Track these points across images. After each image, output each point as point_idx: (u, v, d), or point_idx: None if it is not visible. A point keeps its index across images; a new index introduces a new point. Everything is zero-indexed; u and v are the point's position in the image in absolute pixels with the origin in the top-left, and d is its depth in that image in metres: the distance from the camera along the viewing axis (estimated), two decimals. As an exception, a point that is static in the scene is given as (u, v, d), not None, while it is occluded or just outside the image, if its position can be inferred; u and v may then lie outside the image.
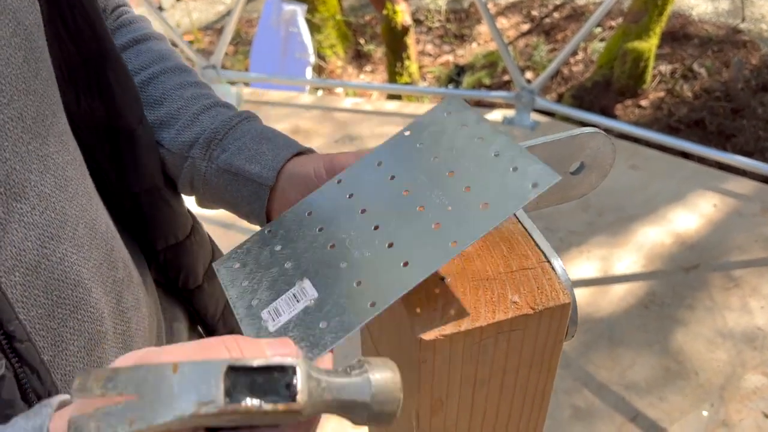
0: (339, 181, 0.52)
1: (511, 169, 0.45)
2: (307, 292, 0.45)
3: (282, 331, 0.43)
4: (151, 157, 0.69)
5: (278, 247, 0.49)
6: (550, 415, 1.86)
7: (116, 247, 0.61)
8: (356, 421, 0.36)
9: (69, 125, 0.58)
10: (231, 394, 0.33)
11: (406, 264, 0.43)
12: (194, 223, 0.79)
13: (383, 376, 0.36)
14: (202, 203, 0.72)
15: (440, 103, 0.52)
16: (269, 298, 0.46)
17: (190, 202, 0.76)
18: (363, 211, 0.48)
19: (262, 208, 0.64)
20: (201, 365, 0.33)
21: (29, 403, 0.47)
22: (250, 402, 0.33)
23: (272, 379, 0.34)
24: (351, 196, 0.50)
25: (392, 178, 0.49)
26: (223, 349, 0.37)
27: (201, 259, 0.78)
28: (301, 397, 0.33)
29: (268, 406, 0.33)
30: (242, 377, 0.33)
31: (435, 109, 0.53)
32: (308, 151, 0.67)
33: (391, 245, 0.45)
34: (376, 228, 0.47)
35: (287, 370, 0.34)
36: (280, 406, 0.33)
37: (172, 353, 0.36)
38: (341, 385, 0.35)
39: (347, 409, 0.36)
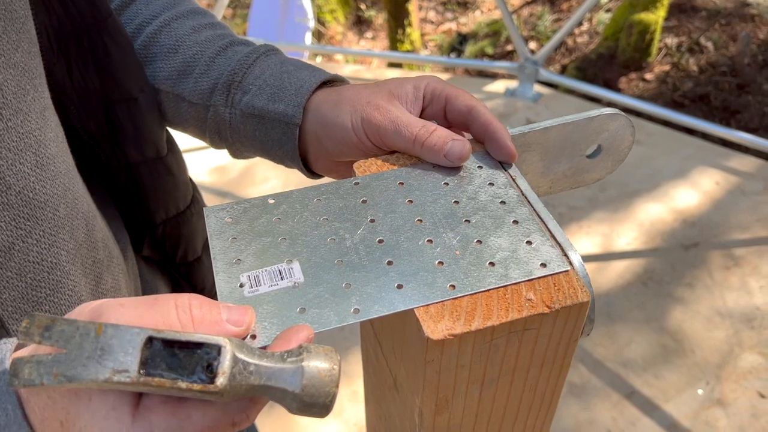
0: (356, 183, 0.51)
1: (525, 241, 0.46)
2: (294, 273, 0.44)
3: (256, 301, 0.42)
4: (153, 125, 0.65)
5: (276, 220, 0.48)
6: (546, 392, 1.86)
7: (97, 227, 0.58)
8: (288, 409, 0.35)
9: (57, 99, 0.54)
10: (148, 365, 0.33)
11: (400, 287, 0.43)
12: (194, 192, 0.76)
13: (319, 367, 0.35)
14: (235, 153, 0.68)
15: (476, 153, 0.53)
16: (253, 264, 0.45)
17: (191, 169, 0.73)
18: (372, 221, 0.48)
19: (295, 149, 0.60)
20: (124, 331, 0.33)
21: None
22: (164, 377, 0.33)
23: (195, 356, 0.33)
24: (365, 202, 0.50)
25: (410, 202, 0.49)
26: (172, 308, 0.36)
27: (200, 230, 0.75)
28: (220, 381, 0.33)
29: (182, 384, 0.32)
30: (162, 350, 0.33)
31: (470, 156, 0.54)
32: (336, 81, 0.62)
33: (390, 263, 0.45)
34: (380, 241, 0.46)
35: (212, 349, 0.33)
36: (196, 386, 0.33)
37: (122, 306, 0.36)
38: (272, 371, 0.34)
39: (275, 396, 0.35)
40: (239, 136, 0.64)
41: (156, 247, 0.72)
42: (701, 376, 1.89)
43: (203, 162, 2.75)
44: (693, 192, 2.49)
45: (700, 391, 1.85)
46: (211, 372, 0.33)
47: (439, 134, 0.51)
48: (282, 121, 0.59)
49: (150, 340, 0.33)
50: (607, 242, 2.31)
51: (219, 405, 0.35)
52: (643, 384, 1.87)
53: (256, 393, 0.34)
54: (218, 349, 0.33)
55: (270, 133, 0.61)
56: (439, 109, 0.56)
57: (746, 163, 2.61)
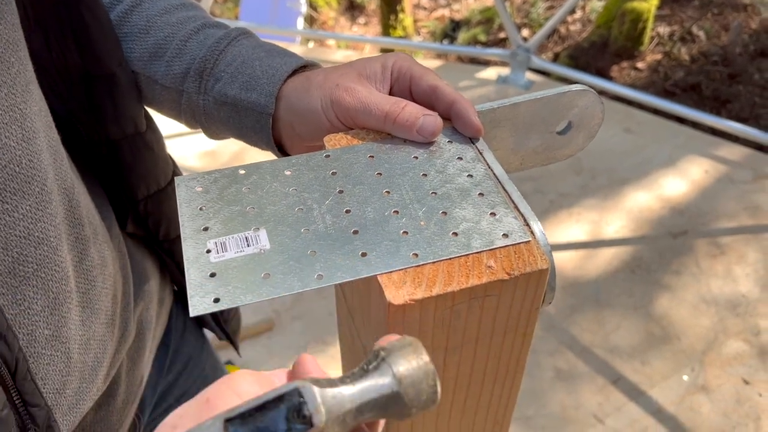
0: (327, 156, 0.52)
1: (489, 213, 0.47)
2: (260, 240, 0.45)
3: (222, 267, 0.43)
4: (131, 101, 0.65)
5: (246, 189, 0.49)
6: (532, 376, 1.87)
7: (82, 202, 0.58)
8: (400, 417, 0.33)
9: (37, 73, 0.54)
10: None
11: (364, 255, 0.44)
12: (174, 169, 0.76)
13: (405, 355, 0.32)
14: (211, 135, 0.68)
15: (446, 128, 0.54)
16: (220, 231, 0.45)
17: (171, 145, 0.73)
18: (340, 191, 0.49)
19: (269, 138, 0.61)
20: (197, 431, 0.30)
21: None
22: None
23: (279, 413, 0.30)
24: (334, 173, 0.50)
25: (379, 174, 0.50)
26: (231, 395, 0.33)
27: None
28: (317, 419, 0.30)
29: None
30: (247, 424, 0.30)
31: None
32: (309, 66, 0.62)
33: (356, 232, 0.46)
34: (347, 211, 0.47)
35: (292, 396, 0.30)
36: None
37: (182, 421, 0.33)
38: (361, 387, 0.32)
39: (379, 408, 0.32)
40: (213, 121, 0.64)
41: (139, 224, 0.73)
42: (686, 362, 1.90)
43: (193, 146, 2.75)
44: (682, 180, 2.50)
45: (685, 377, 1.87)
46: (304, 418, 0.30)
47: (410, 110, 0.52)
48: (255, 110, 0.59)
49: (227, 422, 0.30)
50: (596, 230, 2.32)
51: None
52: (630, 370, 1.89)
53: (360, 415, 0.32)
54: (298, 392, 0.30)
55: (244, 121, 0.61)
56: (405, 88, 0.56)
57: (735, 152, 2.63)
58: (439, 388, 0.33)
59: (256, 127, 0.60)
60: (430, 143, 0.52)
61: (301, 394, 0.30)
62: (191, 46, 0.63)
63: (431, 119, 0.51)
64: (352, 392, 0.31)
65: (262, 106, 0.59)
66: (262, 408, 0.30)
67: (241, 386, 0.34)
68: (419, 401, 0.32)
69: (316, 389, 0.31)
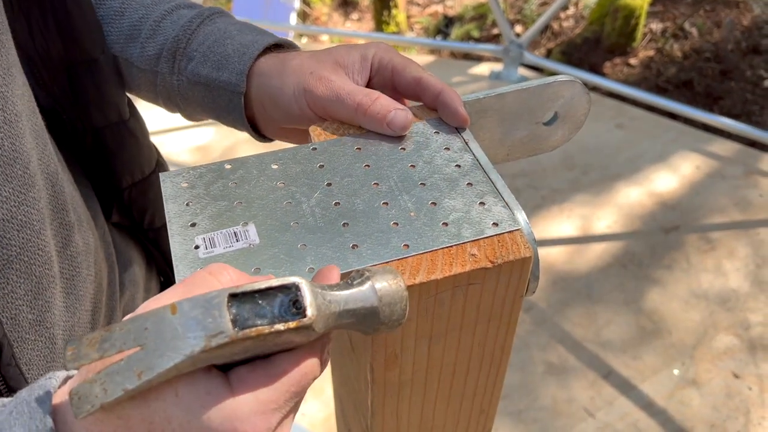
0: (314, 149, 0.51)
1: (478, 202, 0.47)
2: (249, 235, 0.44)
3: (211, 263, 0.42)
4: (114, 88, 0.65)
5: (233, 184, 0.48)
6: (524, 370, 1.87)
7: (66, 189, 0.58)
8: (367, 331, 0.36)
9: (21, 61, 0.54)
10: (238, 321, 0.32)
11: (354, 247, 0.44)
12: (158, 156, 0.76)
13: (385, 278, 0.36)
14: (189, 117, 0.68)
15: (432, 119, 0.54)
16: (208, 227, 0.45)
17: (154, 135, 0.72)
18: (329, 184, 0.49)
19: (242, 117, 0.60)
20: (200, 299, 0.32)
21: None
22: (261, 325, 0.32)
23: (277, 300, 0.33)
24: (322, 166, 0.50)
25: (367, 166, 0.50)
26: (208, 277, 0.35)
27: None
28: (310, 311, 0.33)
29: (279, 326, 0.32)
30: (246, 303, 0.32)
31: (426, 121, 0.55)
32: (285, 46, 0.62)
33: (346, 225, 0.45)
34: (336, 204, 0.47)
35: (290, 289, 0.33)
36: (292, 324, 0.32)
37: (165, 296, 0.35)
38: (347, 296, 0.35)
39: (357, 317, 0.35)
40: (189, 102, 0.64)
41: (124, 213, 0.73)
42: (677, 356, 1.91)
43: (184, 141, 2.74)
44: (674, 176, 2.51)
45: (675, 372, 1.88)
46: (297, 309, 0.33)
47: (381, 103, 0.51)
48: (226, 89, 0.59)
49: (231, 297, 0.32)
50: (587, 225, 2.33)
51: (305, 348, 0.35)
52: (621, 364, 1.90)
53: (339, 320, 0.35)
54: (297, 286, 0.33)
55: (217, 101, 0.61)
56: (386, 80, 0.55)
57: (727, 147, 2.64)
58: (407, 313, 0.36)
59: (229, 107, 0.60)
60: (416, 134, 0.52)
61: (299, 288, 0.33)
62: (164, 26, 0.63)
63: (402, 113, 0.51)
64: (339, 299, 0.35)
65: (233, 85, 0.58)
66: (264, 291, 0.33)
67: (227, 269, 0.36)
68: (390, 320, 0.36)
69: (312, 287, 0.34)
